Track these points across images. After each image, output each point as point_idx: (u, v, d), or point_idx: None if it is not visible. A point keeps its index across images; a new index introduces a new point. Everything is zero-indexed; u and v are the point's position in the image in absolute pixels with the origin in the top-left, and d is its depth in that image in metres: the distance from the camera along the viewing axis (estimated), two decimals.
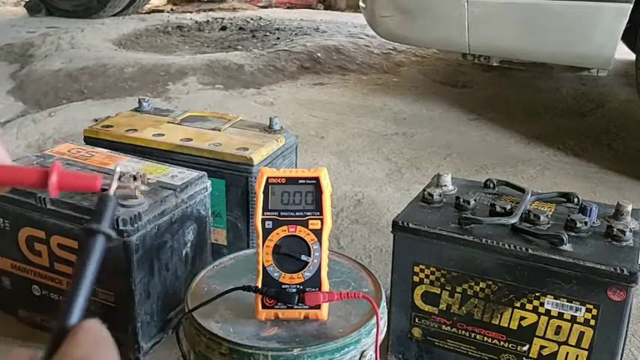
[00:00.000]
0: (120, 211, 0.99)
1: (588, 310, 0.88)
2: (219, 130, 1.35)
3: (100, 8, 4.17)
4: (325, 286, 0.79)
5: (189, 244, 1.13)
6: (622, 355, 0.93)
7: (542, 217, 0.95)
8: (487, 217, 0.98)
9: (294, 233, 0.78)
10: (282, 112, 2.40)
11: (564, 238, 0.89)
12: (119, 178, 1.00)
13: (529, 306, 0.92)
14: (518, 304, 0.93)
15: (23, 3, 4.60)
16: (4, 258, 1.13)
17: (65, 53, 3.06)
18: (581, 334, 0.90)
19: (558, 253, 0.89)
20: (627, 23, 1.71)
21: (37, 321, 1.14)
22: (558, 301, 0.90)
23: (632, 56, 2.14)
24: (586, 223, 0.94)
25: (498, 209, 0.99)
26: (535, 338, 0.93)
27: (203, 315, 0.79)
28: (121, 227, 0.98)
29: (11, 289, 1.15)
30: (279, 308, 0.78)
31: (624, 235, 0.91)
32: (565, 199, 1.06)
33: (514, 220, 0.95)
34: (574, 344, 0.91)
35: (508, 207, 0.99)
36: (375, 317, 0.78)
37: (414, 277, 1.00)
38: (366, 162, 1.97)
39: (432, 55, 3.30)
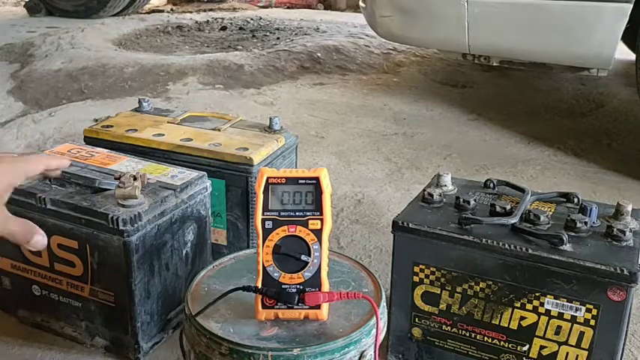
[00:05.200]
0: (120, 211, 0.99)
1: (588, 310, 0.88)
2: (219, 130, 1.35)
3: (100, 8, 4.17)
4: (325, 286, 0.79)
5: (189, 244, 1.13)
6: (622, 355, 0.93)
7: (542, 217, 0.95)
8: (487, 217, 0.98)
9: (294, 233, 0.78)
10: (282, 112, 2.40)
11: (564, 238, 0.89)
12: (118, 178, 1.01)
13: (529, 306, 0.92)
14: (518, 304, 0.93)
15: (23, 3, 4.60)
16: (4, 258, 1.13)
17: (65, 53, 3.06)
18: (581, 334, 0.90)
19: (558, 253, 0.89)
20: (627, 23, 1.71)
21: (37, 321, 1.14)
22: (558, 301, 0.90)
23: (632, 56, 2.15)
24: (586, 223, 0.94)
25: (498, 209, 0.99)
26: (535, 338, 0.93)
27: (203, 315, 0.79)
28: (121, 227, 0.98)
29: (11, 288, 1.15)
30: (279, 308, 0.78)
31: (624, 235, 0.91)
32: (565, 199, 1.06)
33: (514, 220, 0.95)
34: (574, 344, 0.91)
35: (508, 207, 0.99)
36: (375, 317, 0.79)
37: (414, 277, 1.00)
38: (366, 162, 1.97)
39: (432, 55, 3.30)
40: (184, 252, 1.12)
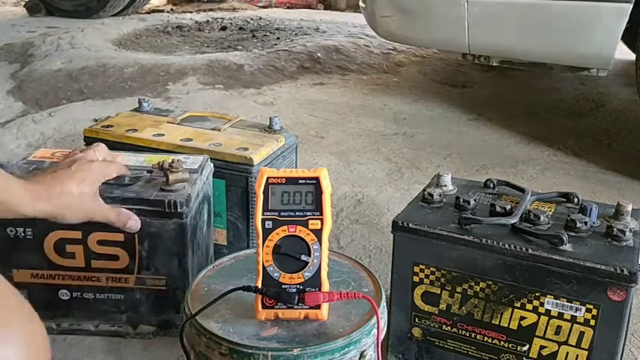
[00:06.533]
0: (172, 196, 1.04)
1: (588, 310, 0.88)
2: (219, 130, 1.35)
3: (100, 8, 4.17)
4: (325, 286, 0.79)
5: (205, 223, 1.17)
6: (622, 355, 0.93)
7: (542, 217, 0.95)
8: (487, 217, 0.98)
9: (294, 233, 0.78)
10: (282, 112, 2.40)
11: (564, 238, 0.89)
12: (161, 166, 1.10)
13: (529, 306, 0.92)
14: (518, 304, 0.93)
15: (23, 3, 4.60)
16: (22, 270, 1.09)
17: (65, 53, 3.06)
18: (581, 334, 0.90)
19: (558, 253, 0.89)
20: (627, 23, 1.71)
21: (63, 327, 1.12)
22: (558, 301, 0.90)
23: (632, 56, 2.15)
24: (586, 223, 0.94)
25: (498, 209, 0.99)
26: (535, 338, 0.93)
27: (203, 315, 0.79)
28: (179, 210, 1.03)
29: (29, 301, 1.11)
30: (279, 308, 0.78)
31: (624, 235, 0.91)
32: (565, 199, 1.06)
33: (514, 220, 0.95)
34: (574, 344, 0.91)
35: (508, 207, 0.99)
36: (375, 317, 0.79)
37: (414, 277, 1.00)
38: (366, 162, 1.97)
39: (432, 55, 3.30)
40: (204, 230, 1.17)
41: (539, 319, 0.92)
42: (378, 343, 0.79)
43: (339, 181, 1.81)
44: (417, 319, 1.02)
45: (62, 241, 1.06)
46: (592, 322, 0.89)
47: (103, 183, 1.01)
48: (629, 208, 0.98)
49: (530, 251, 0.90)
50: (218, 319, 0.79)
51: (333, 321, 0.79)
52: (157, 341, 1.12)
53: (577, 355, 0.91)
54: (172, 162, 1.08)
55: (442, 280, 0.98)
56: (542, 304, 0.91)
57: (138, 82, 2.72)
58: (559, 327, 0.91)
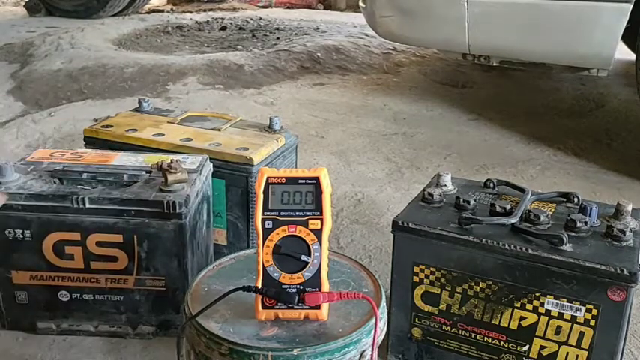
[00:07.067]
0: (170, 196, 1.04)
1: (588, 310, 0.88)
2: (219, 130, 1.35)
3: (100, 8, 4.17)
4: (325, 286, 0.79)
5: (204, 224, 1.17)
6: (622, 355, 0.93)
7: (542, 217, 0.95)
8: (487, 217, 0.98)
9: (294, 233, 0.78)
10: (282, 112, 2.40)
11: (564, 238, 0.89)
12: (159, 167, 1.08)
13: (529, 306, 0.92)
14: (518, 304, 0.93)
15: (23, 3, 4.60)
16: (21, 271, 1.09)
17: (65, 53, 3.06)
18: (581, 334, 0.90)
19: (558, 253, 0.89)
20: (627, 23, 1.71)
21: (63, 327, 1.12)
22: (558, 301, 0.90)
23: (632, 56, 2.14)
24: (586, 223, 0.94)
25: (498, 209, 0.99)
26: (535, 338, 0.93)
27: (203, 315, 0.79)
28: (178, 210, 1.03)
29: (28, 302, 1.11)
30: (279, 308, 0.78)
31: (624, 235, 0.91)
32: (565, 199, 1.06)
33: (514, 220, 0.95)
34: (574, 344, 0.91)
35: (508, 207, 0.99)
36: (375, 317, 0.78)
37: (414, 277, 1.00)
38: (366, 162, 1.97)
39: (432, 55, 3.30)
40: (203, 230, 1.17)
41: (539, 319, 0.92)
42: (374, 343, 0.79)
43: (339, 181, 1.81)
44: (417, 319, 1.02)
45: (61, 242, 1.06)
46: (592, 322, 0.89)
47: (100, 182, 1.00)
48: (629, 208, 0.98)
49: (530, 251, 0.90)
50: (218, 319, 0.79)
51: (333, 321, 0.79)
52: (157, 341, 1.12)
53: (577, 355, 0.91)
54: (171, 162, 1.07)
55: (442, 280, 0.98)
56: (542, 304, 0.91)
57: (138, 82, 2.72)
58: (559, 327, 0.91)
